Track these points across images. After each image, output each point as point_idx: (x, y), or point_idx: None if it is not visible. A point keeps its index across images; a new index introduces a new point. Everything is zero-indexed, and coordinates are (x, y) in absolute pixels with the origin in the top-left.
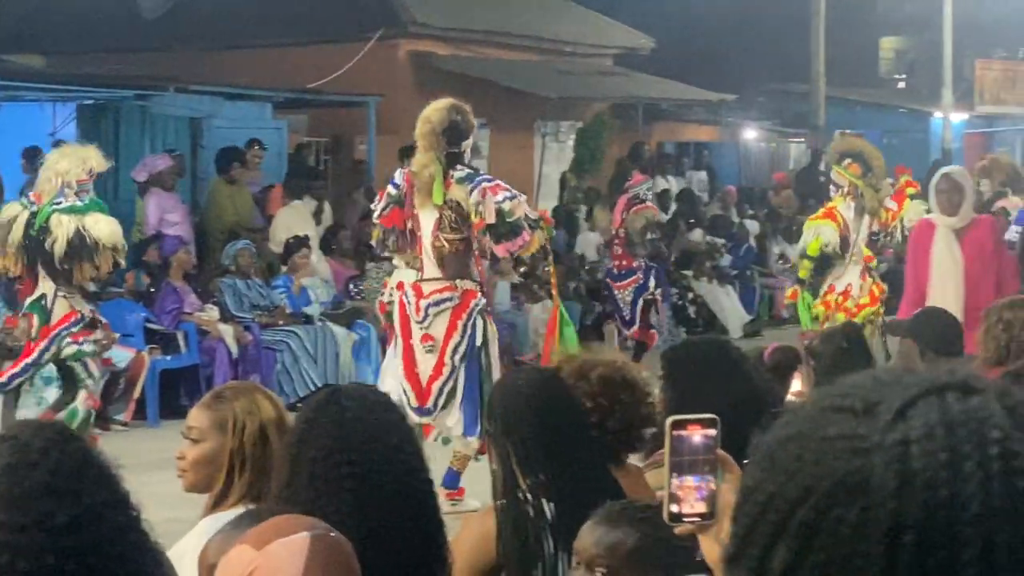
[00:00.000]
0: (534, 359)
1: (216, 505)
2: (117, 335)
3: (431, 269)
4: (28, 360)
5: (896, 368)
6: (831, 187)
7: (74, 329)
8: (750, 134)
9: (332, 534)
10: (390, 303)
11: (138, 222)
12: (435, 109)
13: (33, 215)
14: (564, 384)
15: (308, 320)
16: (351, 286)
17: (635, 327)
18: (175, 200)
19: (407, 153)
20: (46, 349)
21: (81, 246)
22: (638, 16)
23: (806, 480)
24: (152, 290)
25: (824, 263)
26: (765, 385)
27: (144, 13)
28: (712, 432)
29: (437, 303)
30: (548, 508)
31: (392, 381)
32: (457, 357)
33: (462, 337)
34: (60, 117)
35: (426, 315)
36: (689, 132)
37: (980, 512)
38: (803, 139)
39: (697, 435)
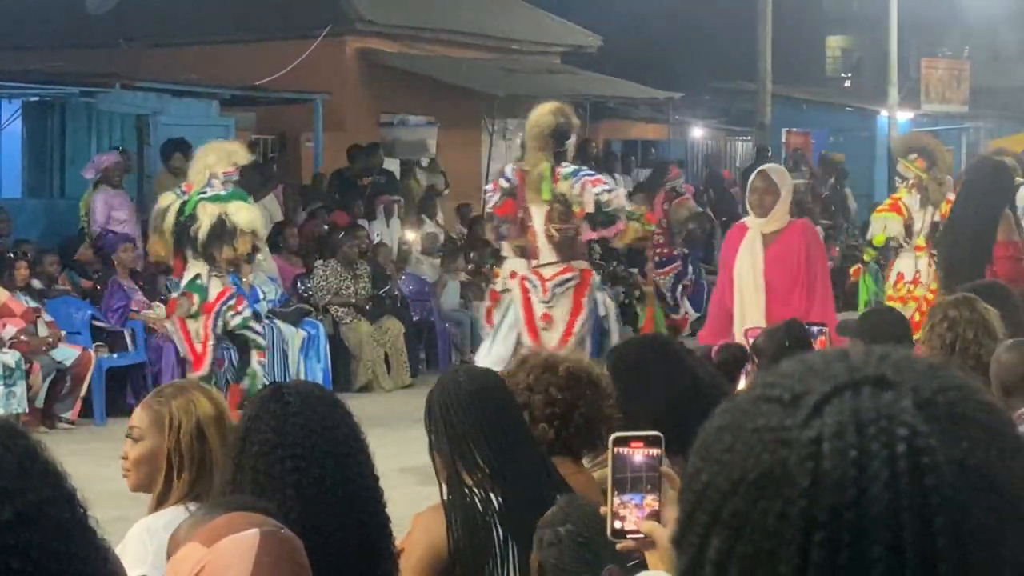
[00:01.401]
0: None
1: (159, 504)
2: (63, 332)
3: (547, 255)
4: (211, 342)
5: (830, 353)
6: (896, 178)
7: (231, 302)
8: (697, 132)
9: (282, 531)
10: (504, 291)
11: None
12: (542, 114)
13: (184, 203)
14: (502, 381)
15: (256, 318)
16: (299, 284)
17: (683, 311)
18: (123, 198)
19: (368, 151)
20: (215, 325)
21: (222, 230)
22: (585, 14)
23: (736, 471)
24: (99, 288)
25: (886, 253)
26: (711, 381)
27: (90, 9)
28: (655, 451)
29: (561, 283)
30: (495, 499)
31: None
32: (585, 330)
33: (588, 313)
34: (6, 114)
35: (552, 295)
36: (636, 130)
37: (886, 511)
38: (749, 137)
39: (639, 454)
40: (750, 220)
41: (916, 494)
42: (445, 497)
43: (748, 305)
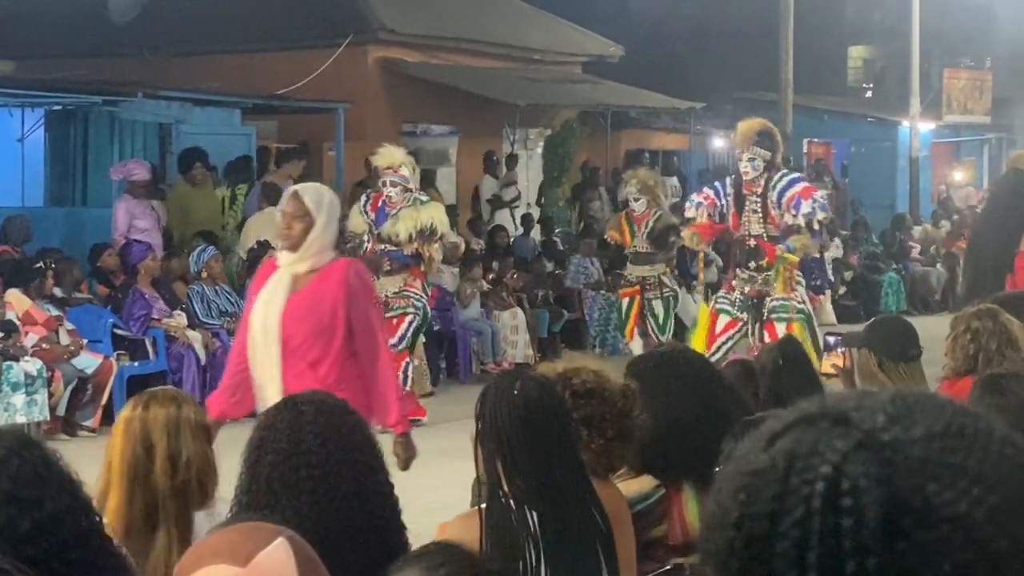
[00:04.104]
0: (511, 366)
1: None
2: (85, 340)
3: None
4: None
5: (849, 392)
6: None
7: None
8: (718, 142)
9: (293, 533)
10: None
11: None
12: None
13: None
14: (558, 395)
15: None
16: None
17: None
18: (144, 207)
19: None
20: None
21: None
22: (607, 24)
23: (719, 508)
24: (120, 296)
25: None
26: (733, 393)
27: (113, 19)
28: None
29: None
30: (531, 516)
31: None
32: None
33: None
34: (29, 122)
35: None
36: (657, 140)
37: (794, 549)
38: None
39: None
40: (282, 255)
41: (827, 535)
42: (480, 505)
43: (261, 360)
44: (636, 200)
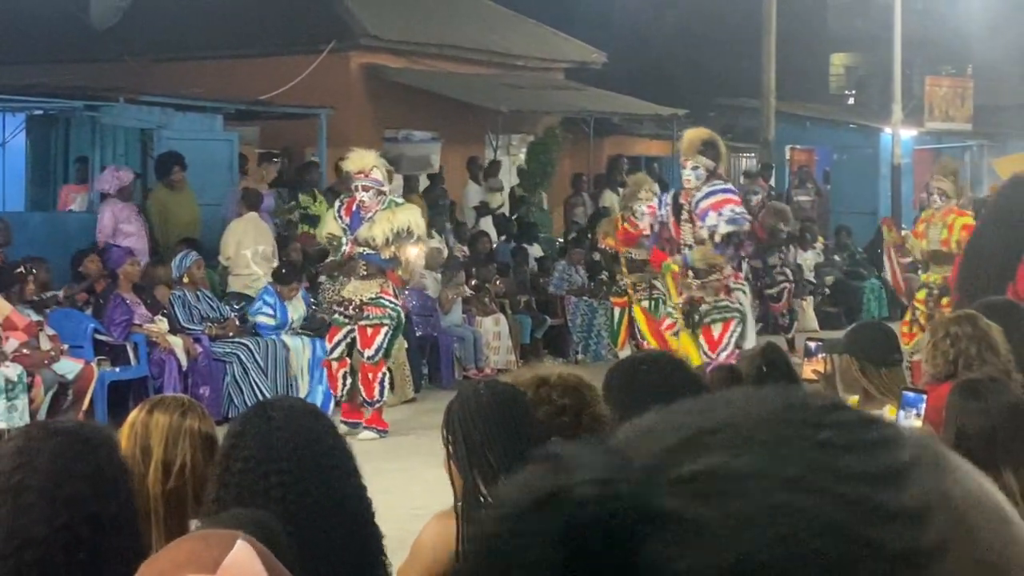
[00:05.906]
0: (492, 373)
1: None
2: (66, 346)
3: None
4: None
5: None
6: None
7: None
8: None
9: (245, 534)
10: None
11: None
12: None
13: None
14: (522, 394)
15: (257, 333)
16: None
17: None
18: (130, 211)
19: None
20: None
21: None
22: (590, 30)
23: None
24: (101, 301)
25: None
26: None
27: (95, 23)
28: None
29: None
30: None
31: None
32: None
33: None
34: (10, 127)
35: None
36: (640, 147)
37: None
38: (753, 154)
39: None
40: None
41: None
42: (459, 507)
43: None
44: None
